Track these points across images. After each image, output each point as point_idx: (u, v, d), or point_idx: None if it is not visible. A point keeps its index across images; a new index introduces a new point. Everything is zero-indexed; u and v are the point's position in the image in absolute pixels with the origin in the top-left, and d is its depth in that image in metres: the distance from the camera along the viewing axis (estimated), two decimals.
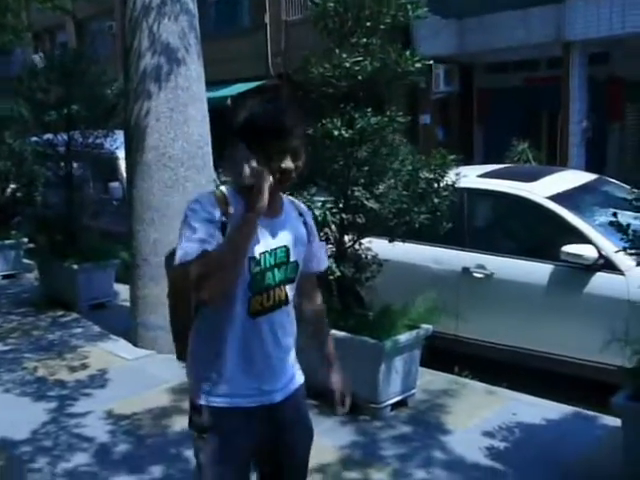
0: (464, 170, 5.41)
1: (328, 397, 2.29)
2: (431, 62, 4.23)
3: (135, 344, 5.68)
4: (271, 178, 1.91)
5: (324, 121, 4.00)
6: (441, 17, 14.05)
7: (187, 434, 4.01)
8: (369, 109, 4.08)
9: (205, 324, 2.07)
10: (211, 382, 2.07)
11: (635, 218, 3.30)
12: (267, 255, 2.04)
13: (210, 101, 17.11)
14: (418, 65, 4.09)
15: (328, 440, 3.87)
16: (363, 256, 4.41)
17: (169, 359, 5.32)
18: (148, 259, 5.50)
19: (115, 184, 8.96)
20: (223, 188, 2.06)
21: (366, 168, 4.24)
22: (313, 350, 2.35)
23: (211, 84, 16.06)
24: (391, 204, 4.06)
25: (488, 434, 4.03)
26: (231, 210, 1.98)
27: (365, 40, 4.12)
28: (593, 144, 13.55)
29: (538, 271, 4.85)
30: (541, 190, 5.09)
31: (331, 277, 4.07)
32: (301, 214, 2.22)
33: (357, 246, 4.38)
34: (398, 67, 4.07)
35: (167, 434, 4.12)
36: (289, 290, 2.13)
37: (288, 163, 1.97)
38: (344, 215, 4.14)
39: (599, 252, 4.55)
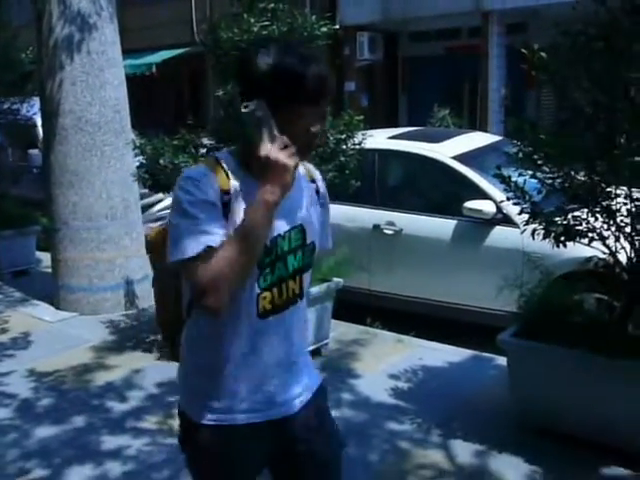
0: (376, 133, 5.64)
1: None
2: (337, 27, 4.40)
3: (58, 307, 5.76)
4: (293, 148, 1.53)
5: (232, 84, 4.14)
6: None
7: (109, 387, 4.26)
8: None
9: (201, 328, 1.72)
10: (211, 397, 1.71)
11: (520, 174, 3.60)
12: (280, 240, 1.66)
13: (135, 68, 16.79)
14: (324, 30, 4.27)
15: None
16: None
17: (91, 320, 5.50)
18: (68, 222, 5.56)
19: (34, 151, 8.84)
20: (220, 156, 1.67)
21: None
22: None
23: (136, 51, 15.95)
24: None
25: (394, 377, 4.34)
26: (233, 186, 1.59)
27: (272, 5, 4.26)
28: (511, 110, 14.06)
29: (443, 226, 5.17)
30: (446, 150, 5.39)
31: None
32: (313, 180, 1.83)
33: None
34: (305, 31, 4.24)
35: (89, 388, 4.27)
36: (305, 280, 1.77)
37: (318, 126, 1.60)
38: None
39: (497, 207, 4.88)
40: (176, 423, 3.54)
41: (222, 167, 1.62)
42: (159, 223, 8.16)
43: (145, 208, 8.19)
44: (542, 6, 12.35)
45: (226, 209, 1.58)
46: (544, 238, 3.44)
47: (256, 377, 1.71)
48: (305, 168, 1.80)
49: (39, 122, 7.75)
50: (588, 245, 3.42)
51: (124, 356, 4.73)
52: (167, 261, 1.60)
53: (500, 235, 4.91)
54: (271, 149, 1.49)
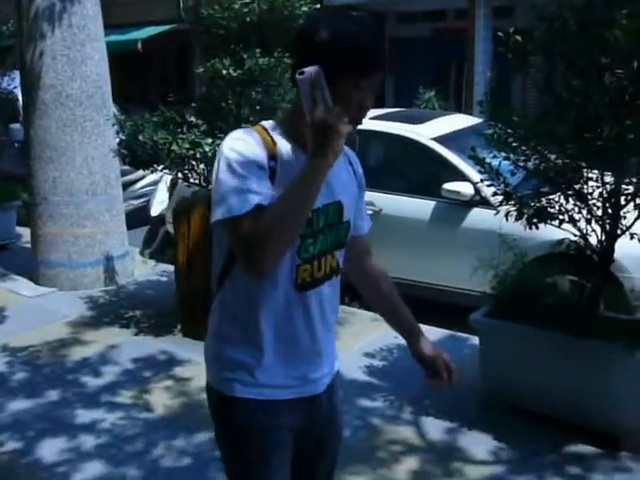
0: None
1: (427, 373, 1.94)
2: (318, 6, 4.39)
3: (37, 282, 5.76)
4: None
5: (213, 61, 4.14)
6: None
7: (84, 362, 4.28)
8: (258, 50, 4.25)
9: (236, 299, 1.66)
10: (247, 371, 1.67)
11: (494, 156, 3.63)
12: (320, 213, 1.63)
13: (120, 44, 16.63)
14: (305, 9, 4.26)
15: None
16: None
17: (70, 295, 5.50)
18: (47, 197, 5.55)
19: (16, 125, 8.74)
20: (266, 124, 1.66)
21: (258, 107, 4.43)
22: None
23: (121, 26, 15.75)
24: None
25: (370, 355, 4.40)
26: (280, 153, 1.58)
27: None
28: (496, 93, 14.08)
29: (422, 207, 5.21)
30: (426, 132, 5.42)
31: None
32: (350, 162, 1.82)
33: None
34: (286, 10, 4.23)
35: (64, 363, 4.30)
36: (339, 257, 1.75)
37: (369, 102, 1.59)
38: None
39: (476, 189, 4.92)
40: (150, 397, 3.59)
41: (269, 134, 1.60)
42: (141, 200, 8.19)
43: (127, 185, 8.18)
44: None
45: (272, 174, 1.55)
46: (517, 220, 3.49)
47: (293, 352, 1.68)
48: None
49: (20, 96, 7.70)
50: (559, 227, 3.46)
51: (101, 331, 4.75)
52: (211, 221, 1.55)
53: (478, 217, 4.96)
54: (327, 115, 1.44)
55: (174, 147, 4.13)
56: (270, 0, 4.22)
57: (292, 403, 1.71)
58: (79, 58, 5.40)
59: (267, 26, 4.31)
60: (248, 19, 4.19)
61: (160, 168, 4.51)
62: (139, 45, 15.56)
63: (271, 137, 1.59)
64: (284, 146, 1.59)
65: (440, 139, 5.34)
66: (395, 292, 1.96)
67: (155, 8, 16.48)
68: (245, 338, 1.66)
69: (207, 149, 4.11)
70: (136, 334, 4.71)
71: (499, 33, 3.32)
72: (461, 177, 5.06)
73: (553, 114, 3.41)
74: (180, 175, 4.62)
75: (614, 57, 2.92)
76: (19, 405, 3.76)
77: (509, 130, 3.41)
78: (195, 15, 4.34)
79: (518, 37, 3.22)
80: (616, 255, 4.21)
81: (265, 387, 1.67)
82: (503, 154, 3.46)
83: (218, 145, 4.20)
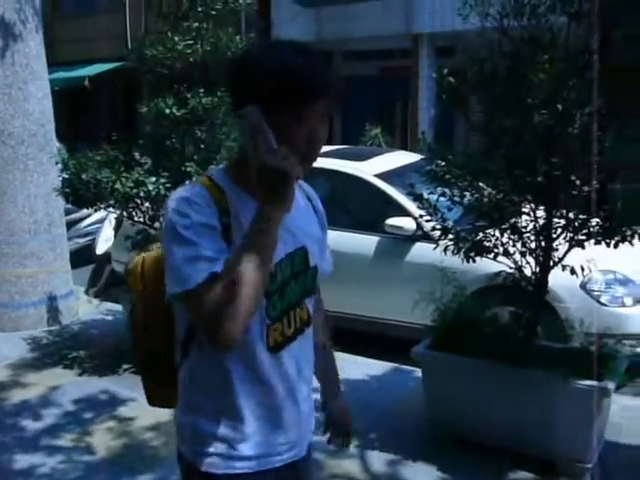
0: None
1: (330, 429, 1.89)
2: None
3: None
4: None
5: (156, 100, 4.18)
6: (299, 5, 14.50)
7: (24, 405, 4.18)
8: (202, 90, 4.31)
9: (205, 368, 1.52)
10: (228, 443, 1.52)
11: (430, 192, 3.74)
12: (284, 264, 1.50)
13: (67, 80, 16.59)
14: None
15: None
16: None
17: (12, 336, 5.38)
18: None
19: None
20: (212, 173, 1.52)
21: (202, 146, 4.48)
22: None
23: (69, 63, 15.64)
24: None
25: (314, 389, 4.40)
26: (232, 206, 1.44)
27: (197, 24, 4.33)
28: (441, 131, 14.46)
29: (367, 243, 5.29)
30: (369, 168, 5.54)
31: None
32: (309, 198, 1.68)
33: None
34: (229, 50, 4.31)
35: (3, 406, 4.19)
36: (309, 305, 1.61)
37: (319, 133, 1.42)
38: None
39: (417, 224, 5.04)
40: (92, 439, 3.53)
41: (216, 185, 1.46)
42: (87, 238, 8.10)
43: (72, 223, 8.09)
44: (468, 30, 12.79)
45: (226, 232, 1.41)
46: (454, 253, 3.59)
47: (274, 417, 1.55)
48: (299, 185, 1.54)
49: None
50: (494, 260, 3.58)
51: (43, 373, 4.65)
52: (165, 295, 1.41)
53: (420, 251, 5.06)
54: (270, 158, 1.30)
55: (117, 186, 4.13)
56: (213, 41, 4.30)
57: (279, 471, 1.58)
58: (21, 96, 5.37)
59: (211, 66, 4.38)
60: (191, 59, 4.25)
61: (104, 206, 4.49)
62: (86, 82, 15.52)
63: (218, 187, 1.45)
64: (235, 196, 1.45)
65: (383, 175, 5.46)
66: (329, 343, 1.86)
67: (103, 45, 16.50)
68: (221, 409, 1.51)
69: (151, 188, 4.13)
70: (79, 374, 4.64)
71: (433, 74, 3.45)
72: (404, 213, 5.18)
73: (487, 152, 3.56)
74: (125, 214, 4.62)
75: (540, 98, 3.07)
76: None
77: (445, 166, 3.53)
78: (138, 55, 4.37)
79: (451, 78, 3.36)
80: (552, 285, 4.38)
81: (249, 459, 1.53)
82: (440, 190, 3.58)
83: (162, 184, 4.24)
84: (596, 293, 4.58)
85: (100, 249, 7.24)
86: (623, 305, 4.58)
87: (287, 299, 1.52)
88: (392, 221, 5.11)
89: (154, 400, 1.74)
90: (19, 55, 5.37)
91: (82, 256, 7.68)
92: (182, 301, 1.40)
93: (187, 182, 1.53)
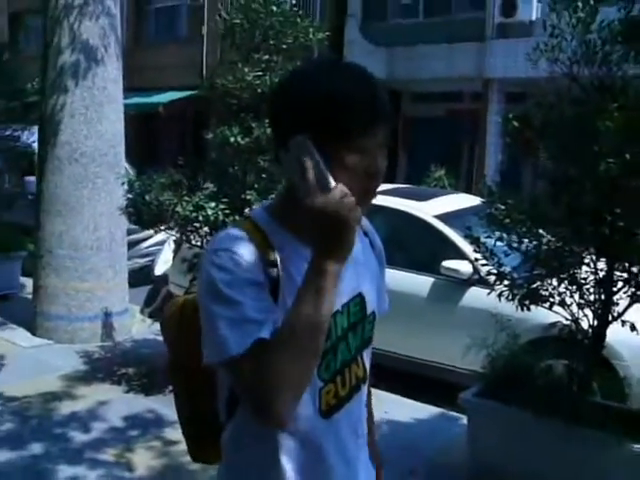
0: None
1: None
2: None
3: (34, 333, 5.77)
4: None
5: (222, 128, 4.27)
6: (372, 44, 14.69)
7: (72, 416, 4.25)
8: (267, 120, 4.37)
9: (249, 436, 1.33)
10: None
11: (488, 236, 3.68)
12: (338, 317, 1.31)
13: (143, 106, 17.16)
14: None
15: None
16: None
17: (66, 348, 5.51)
18: (52, 251, 5.63)
19: (31, 178, 8.95)
20: (254, 215, 1.33)
21: (264, 175, 4.55)
22: None
23: (146, 89, 16.20)
24: None
25: None
26: (279, 255, 1.25)
27: (268, 57, 4.43)
28: (508, 176, 14.29)
29: (422, 283, 5.23)
30: (429, 209, 5.50)
31: None
32: (366, 233, 1.48)
33: None
34: None
35: (53, 416, 4.27)
36: (366, 359, 1.42)
37: (378, 164, 1.24)
38: (237, 217, 4.41)
39: (474, 268, 4.95)
40: (134, 457, 3.54)
41: (260, 230, 1.27)
42: (147, 259, 8.27)
43: (134, 243, 8.30)
44: (540, 77, 12.69)
45: (274, 285, 1.23)
46: (508, 300, 3.51)
47: None
48: None
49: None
50: (549, 309, 3.48)
51: (92, 387, 4.74)
52: (203, 361, 1.24)
53: (475, 296, 4.96)
54: (326, 200, 1.12)
55: (178, 208, 4.22)
56: (282, 74, 4.38)
57: None
58: (96, 117, 5.58)
59: None
60: (259, 90, 4.34)
61: (163, 228, 4.59)
62: (160, 108, 16.03)
63: (263, 234, 1.26)
64: (281, 242, 1.26)
65: (443, 217, 5.41)
66: (371, 411, 1.62)
67: (179, 74, 17.04)
68: (268, 477, 1.33)
69: (210, 212, 4.20)
70: (127, 391, 4.70)
71: (499, 120, 3.43)
72: (461, 256, 5.10)
73: (550, 198, 3.49)
74: (184, 236, 4.71)
75: (608, 147, 3.00)
76: (2, 456, 3.72)
77: (505, 210, 3.48)
78: (210, 84, 4.50)
79: (515, 122, 3.33)
80: (612, 342, 4.22)
81: None
82: (497, 234, 3.52)
83: (221, 210, 4.31)
84: None
85: (158, 270, 7.39)
86: None
87: (342, 356, 1.33)
88: (448, 263, 5.04)
89: (198, 458, 1.57)
90: (98, 78, 5.59)
91: (141, 276, 7.86)
92: (223, 369, 1.24)
93: (229, 226, 1.23)
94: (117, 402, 4.47)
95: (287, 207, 1.29)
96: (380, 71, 14.87)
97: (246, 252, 1.21)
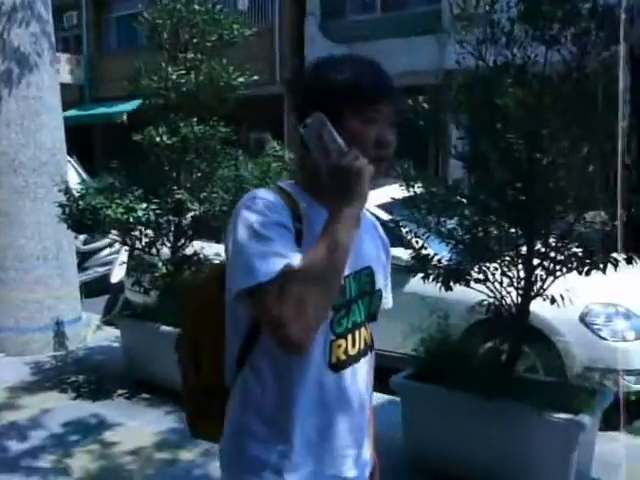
0: None
1: None
2: (256, 77, 4.56)
3: None
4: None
5: (148, 128, 4.28)
6: (331, 41, 14.73)
7: (11, 427, 4.22)
8: (195, 119, 4.39)
9: (259, 386, 1.42)
10: (274, 471, 1.41)
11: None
12: (351, 280, 1.44)
13: (108, 116, 17.02)
14: (241, 79, 4.43)
15: (151, 427, 4.15)
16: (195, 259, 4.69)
17: (16, 361, 5.48)
18: None
19: None
20: (282, 184, 1.50)
21: (199, 174, 4.55)
22: None
23: (111, 99, 16.07)
24: (213, 206, 4.37)
25: None
26: (304, 213, 1.41)
27: (192, 55, 4.43)
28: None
29: None
30: (372, 199, 5.50)
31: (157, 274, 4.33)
32: (374, 226, 1.65)
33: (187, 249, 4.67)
34: (222, 81, 4.40)
35: None
36: (372, 330, 1.57)
37: (388, 134, 1.40)
38: (171, 217, 4.41)
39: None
40: (72, 461, 3.52)
41: (288, 193, 1.43)
42: (106, 267, 8.23)
43: (93, 252, 8.27)
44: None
45: (298, 236, 1.36)
46: (432, 280, 3.54)
47: (327, 445, 1.44)
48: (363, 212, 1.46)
49: None
50: (466, 286, 3.51)
51: (38, 396, 4.71)
52: (229, 292, 1.35)
53: (418, 282, 4.99)
54: (342, 160, 1.30)
55: (109, 212, 4.22)
56: (207, 72, 4.39)
57: None
58: (33, 126, 5.56)
59: (205, 96, 4.47)
60: (185, 89, 4.35)
61: (100, 232, 4.59)
62: (124, 117, 15.96)
63: (290, 195, 1.42)
64: (307, 205, 1.42)
65: (385, 206, 5.43)
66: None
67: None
68: (272, 431, 1.41)
69: (140, 214, 4.20)
70: (74, 398, 4.68)
71: (409, 101, 3.46)
72: (404, 243, 5.12)
73: (468, 178, 3.53)
74: (128, 240, 4.71)
75: (508, 123, 3.03)
76: None
77: (425, 195, 3.51)
78: (136, 86, 4.50)
79: (425, 105, 3.36)
80: (550, 319, 4.27)
81: None
82: (417, 216, 3.55)
83: (152, 210, 4.31)
84: (596, 327, 4.44)
85: (115, 277, 7.37)
86: (624, 339, 4.43)
87: (353, 317, 1.45)
88: (392, 251, 5.05)
89: (199, 433, 1.64)
90: (33, 87, 5.57)
91: (101, 285, 7.83)
92: (251, 298, 1.30)
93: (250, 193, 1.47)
94: (61, 409, 4.45)
95: (309, 178, 1.46)
96: None
97: (278, 202, 1.37)
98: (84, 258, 8.14)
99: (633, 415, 4.25)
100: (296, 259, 1.29)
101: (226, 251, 1.40)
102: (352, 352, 1.45)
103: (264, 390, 1.41)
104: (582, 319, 4.41)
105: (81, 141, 18.48)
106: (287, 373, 1.38)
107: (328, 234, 1.29)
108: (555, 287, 3.43)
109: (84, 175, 8.89)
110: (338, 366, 1.43)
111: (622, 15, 3.10)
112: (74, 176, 8.09)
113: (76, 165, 9.30)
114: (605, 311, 4.48)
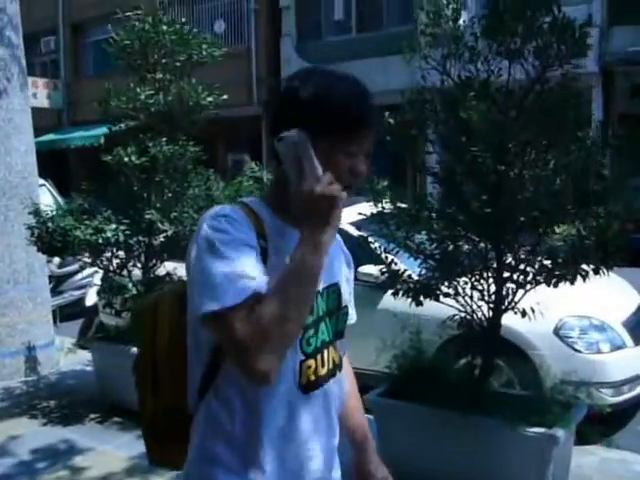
0: None
1: None
2: (225, 97, 4.56)
3: None
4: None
5: (117, 149, 4.25)
6: (308, 61, 14.82)
7: None
8: (164, 139, 4.37)
9: (225, 411, 1.36)
10: None
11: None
12: (319, 298, 1.41)
13: (86, 139, 16.98)
14: (210, 99, 4.43)
15: (122, 451, 4.07)
16: (167, 279, 4.64)
17: None
18: None
19: None
20: (247, 201, 1.44)
21: (169, 194, 4.53)
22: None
23: (90, 122, 16.00)
24: (184, 226, 4.34)
25: None
26: (269, 232, 1.36)
27: (161, 76, 4.43)
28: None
29: None
30: (345, 217, 5.51)
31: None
32: (337, 239, 1.57)
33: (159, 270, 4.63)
34: (191, 100, 4.39)
35: None
36: (340, 349, 1.51)
37: (363, 167, 1.37)
38: (141, 237, 4.37)
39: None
40: None
41: (253, 211, 1.38)
42: (82, 291, 8.14)
43: (68, 276, 8.18)
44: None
45: (263, 255, 1.32)
46: (402, 296, 3.53)
47: (300, 470, 1.40)
48: None
49: None
50: (436, 301, 3.50)
51: (5, 423, 4.61)
52: (191, 314, 1.32)
53: (391, 299, 4.97)
54: (318, 184, 1.26)
55: (78, 233, 4.17)
56: (176, 92, 4.38)
57: None
58: (3, 150, 5.51)
59: (174, 116, 4.46)
60: (153, 109, 4.33)
61: (71, 254, 4.53)
62: (102, 140, 15.92)
63: (254, 212, 1.37)
64: (271, 222, 1.38)
65: (357, 223, 5.43)
66: (357, 395, 1.70)
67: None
68: (241, 458, 1.35)
69: (110, 235, 4.16)
70: (44, 424, 4.59)
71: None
72: (377, 261, 5.12)
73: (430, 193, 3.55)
74: (98, 262, 4.66)
75: (472, 136, 3.05)
76: None
77: (393, 211, 3.51)
78: (106, 107, 4.48)
79: (390, 120, 3.37)
80: (525, 332, 4.26)
81: None
82: (386, 232, 3.54)
83: (122, 231, 4.26)
84: (571, 340, 4.44)
85: (89, 300, 7.28)
86: (599, 352, 4.43)
87: (322, 336, 1.42)
88: (364, 269, 5.05)
89: (158, 460, 1.56)
90: (2, 110, 5.52)
91: (77, 308, 7.74)
92: (215, 323, 1.25)
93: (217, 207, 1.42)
94: (30, 436, 4.36)
95: (277, 194, 1.43)
96: None
97: (242, 220, 1.33)
98: (59, 281, 8.07)
99: (609, 428, 4.26)
100: (262, 280, 1.26)
101: (187, 269, 1.34)
102: (322, 372, 1.42)
103: (232, 418, 1.35)
104: (557, 332, 4.41)
105: (58, 165, 18.44)
106: (255, 398, 1.33)
107: (298, 260, 1.26)
108: (528, 300, 3.43)
109: (59, 199, 8.82)
110: (308, 387, 1.39)
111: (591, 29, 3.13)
112: (49, 199, 8.04)
113: (51, 189, 9.24)
114: (579, 324, 4.48)
